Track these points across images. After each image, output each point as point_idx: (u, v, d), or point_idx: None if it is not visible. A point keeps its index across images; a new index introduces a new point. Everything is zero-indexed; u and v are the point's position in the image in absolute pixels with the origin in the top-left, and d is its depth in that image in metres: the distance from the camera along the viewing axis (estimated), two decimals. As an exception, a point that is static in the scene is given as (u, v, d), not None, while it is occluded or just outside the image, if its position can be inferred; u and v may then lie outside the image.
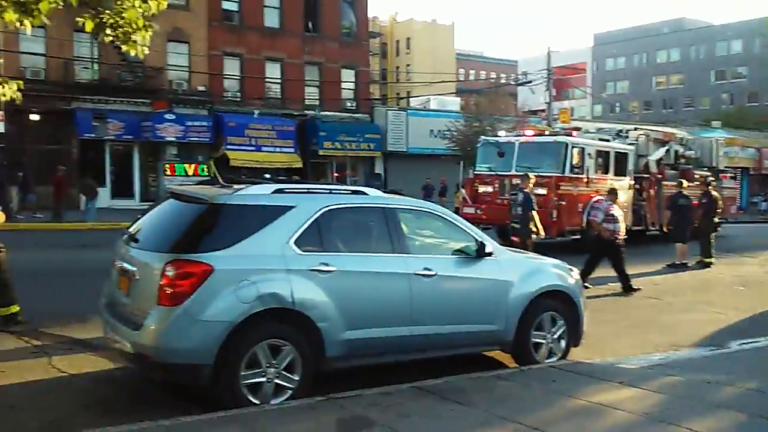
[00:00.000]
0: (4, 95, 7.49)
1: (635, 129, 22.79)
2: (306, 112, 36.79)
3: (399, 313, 6.19)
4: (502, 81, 72.77)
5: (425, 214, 6.94)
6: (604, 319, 9.56)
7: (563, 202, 17.58)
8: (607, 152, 19.40)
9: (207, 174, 32.03)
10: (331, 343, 5.75)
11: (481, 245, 6.75)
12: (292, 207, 5.88)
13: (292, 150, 35.37)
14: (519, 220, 13.30)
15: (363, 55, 41.20)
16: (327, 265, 5.79)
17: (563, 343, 7.26)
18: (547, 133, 20.11)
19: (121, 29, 7.14)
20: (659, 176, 20.79)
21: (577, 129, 21.28)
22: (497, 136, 20.43)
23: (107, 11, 7.10)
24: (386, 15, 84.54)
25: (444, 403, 5.54)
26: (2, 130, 25.42)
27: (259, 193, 5.93)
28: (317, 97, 38.05)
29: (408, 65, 78.00)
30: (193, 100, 33.65)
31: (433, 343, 6.45)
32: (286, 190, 6.06)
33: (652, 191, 20.55)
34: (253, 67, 35.68)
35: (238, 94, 35.84)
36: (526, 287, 6.94)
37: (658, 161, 21.09)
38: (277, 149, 34.87)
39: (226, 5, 35.21)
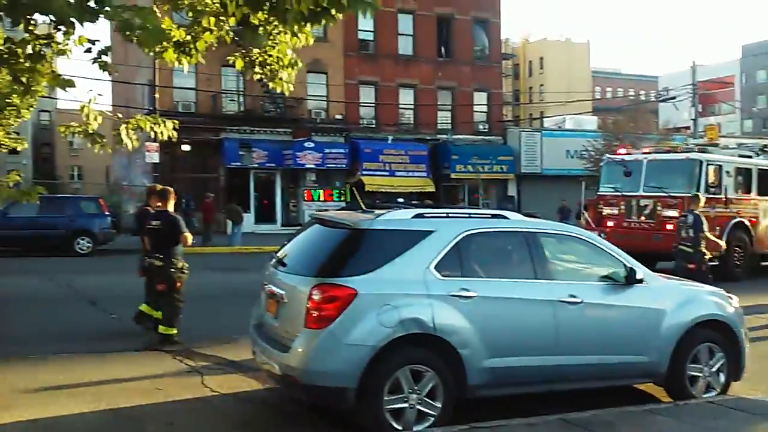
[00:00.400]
0: (161, 134, 8.01)
1: None
2: (438, 136, 37.03)
3: (543, 342, 6.00)
4: (642, 98, 69.92)
5: (568, 238, 6.72)
6: (766, 351, 8.81)
7: None
8: (749, 169, 17.99)
9: (344, 199, 32.93)
10: (473, 371, 5.65)
11: (631, 271, 6.42)
12: (432, 232, 5.88)
13: (424, 174, 35.66)
14: (691, 243, 12.60)
15: (495, 78, 41.00)
16: (467, 290, 5.73)
17: (722, 376, 6.76)
18: (679, 150, 18.91)
19: (269, 67, 7.49)
20: None
21: (714, 145, 19.84)
22: (620, 153, 19.45)
23: (256, 50, 7.48)
24: (518, 36, 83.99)
25: (593, 437, 5.29)
26: (157, 161, 27.36)
27: (400, 218, 5.99)
28: (449, 121, 38.23)
29: (541, 85, 76.77)
30: (330, 128, 34.79)
31: (580, 373, 6.19)
32: (426, 215, 6.08)
33: None
34: (387, 94, 36.47)
35: (373, 120, 36.72)
36: (680, 316, 6.53)
37: None
38: (410, 173, 35.30)
39: (362, 35, 36.24)
